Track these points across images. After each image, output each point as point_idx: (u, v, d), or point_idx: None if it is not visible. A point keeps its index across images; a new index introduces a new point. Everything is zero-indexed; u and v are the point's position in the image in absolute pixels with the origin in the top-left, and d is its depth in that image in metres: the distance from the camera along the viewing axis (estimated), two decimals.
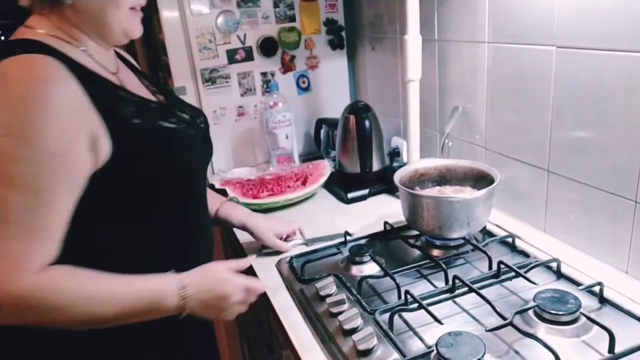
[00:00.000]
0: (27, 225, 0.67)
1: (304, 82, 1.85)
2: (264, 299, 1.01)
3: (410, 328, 0.87)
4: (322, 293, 0.97)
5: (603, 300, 0.89)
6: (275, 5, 1.72)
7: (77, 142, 0.70)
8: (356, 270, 1.07)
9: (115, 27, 0.79)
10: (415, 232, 1.18)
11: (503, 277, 0.97)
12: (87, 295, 0.72)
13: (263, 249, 1.20)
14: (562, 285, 0.94)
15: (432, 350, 0.77)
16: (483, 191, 1.05)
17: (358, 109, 1.50)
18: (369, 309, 0.91)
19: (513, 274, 0.96)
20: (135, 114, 0.79)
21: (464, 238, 1.10)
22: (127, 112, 0.78)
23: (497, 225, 1.20)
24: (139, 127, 0.79)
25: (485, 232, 1.18)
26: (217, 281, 0.84)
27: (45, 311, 0.70)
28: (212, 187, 1.49)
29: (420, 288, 0.97)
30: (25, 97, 0.66)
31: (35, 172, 0.67)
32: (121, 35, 0.81)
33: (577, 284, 0.94)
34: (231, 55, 1.70)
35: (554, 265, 0.99)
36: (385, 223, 1.23)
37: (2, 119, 0.66)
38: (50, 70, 0.69)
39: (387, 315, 0.88)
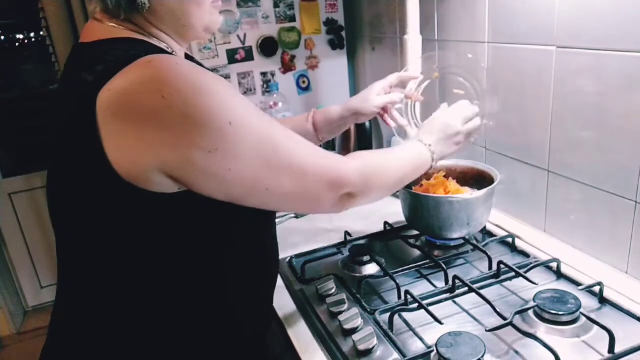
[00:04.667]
0: (315, 152, 0.73)
1: (304, 82, 1.85)
2: None
3: (410, 328, 0.87)
4: (322, 293, 0.97)
5: (603, 301, 0.89)
6: (276, 5, 1.72)
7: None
8: (356, 271, 1.07)
9: (197, 25, 0.74)
10: (415, 232, 1.18)
11: (503, 277, 0.97)
12: (388, 157, 0.87)
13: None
14: (562, 286, 0.94)
15: (432, 351, 0.77)
16: (483, 191, 1.05)
17: None
18: (369, 309, 0.91)
19: (513, 274, 0.96)
20: None
21: (464, 238, 1.10)
22: None
23: (497, 225, 1.20)
24: None
25: (485, 232, 1.18)
26: (443, 124, 0.95)
27: (380, 172, 0.82)
28: None
29: (420, 288, 0.97)
30: (205, 90, 0.61)
31: (274, 123, 0.69)
32: (202, 32, 0.76)
33: (577, 284, 0.94)
34: (231, 55, 1.70)
35: (554, 265, 0.99)
36: (385, 223, 1.23)
37: (213, 120, 0.60)
38: (187, 65, 0.63)
39: (387, 315, 0.88)
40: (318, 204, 0.75)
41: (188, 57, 0.85)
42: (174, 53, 0.73)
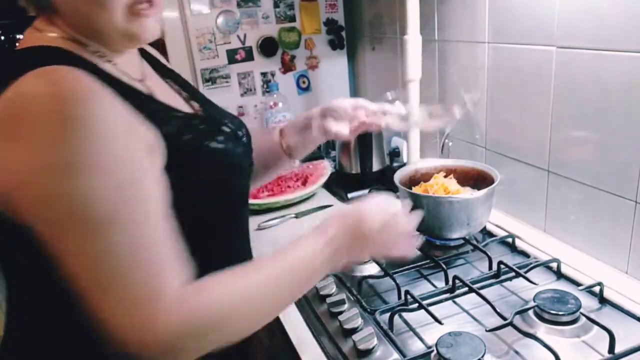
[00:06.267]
0: (139, 261, 0.55)
1: (304, 82, 1.85)
2: None
3: (410, 328, 0.87)
4: (322, 293, 0.97)
5: (603, 301, 0.89)
6: (276, 5, 1.72)
7: (141, 155, 0.59)
8: (356, 271, 1.07)
9: (109, 31, 0.64)
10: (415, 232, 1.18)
11: (503, 277, 0.97)
12: (251, 295, 0.63)
13: None
14: (562, 286, 0.94)
15: (432, 351, 0.78)
16: (483, 191, 1.05)
17: None
18: (369, 309, 0.91)
19: (513, 274, 0.96)
20: (180, 131, 0.66)
21: (464, 238, 1.10)
22: (171, 128, 0.65)
23: (497, 226, 1.20)
24: (185, 147, 0.66)
25: (485, 232, 1.18)
26: (358, 226, 0.72)
27: (210, 330, 0.59)
28: None
29: (420, 288, 0.97)
30: (71, 120, 0.53)
31: (117, 201, 0.55)
32: (123, 40, 0.66)
33: (577, 284, 0.94)
34: (231, 55, 1.70)
35: (554, 265, 0.99)
36: None
37: (51, 154, 0.53)
38: (83, 85, 0.56)
39: (387, 315, 0.88)
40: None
41: (146, 56, 0.80)
42: (113, 63, 0.67)
